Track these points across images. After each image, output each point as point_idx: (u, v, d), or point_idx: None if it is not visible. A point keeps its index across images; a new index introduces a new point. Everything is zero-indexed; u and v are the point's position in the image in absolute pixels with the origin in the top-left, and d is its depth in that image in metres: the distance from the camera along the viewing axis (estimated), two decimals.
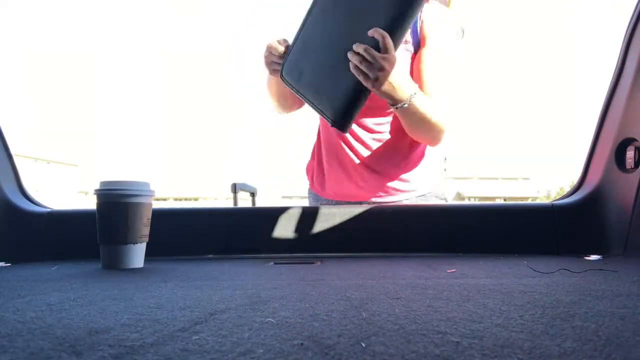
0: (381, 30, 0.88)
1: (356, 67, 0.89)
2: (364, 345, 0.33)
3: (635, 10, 0.97)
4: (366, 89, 0.92)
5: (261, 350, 0.32)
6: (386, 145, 1.19)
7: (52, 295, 0.56)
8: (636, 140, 0.96)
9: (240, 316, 0.44)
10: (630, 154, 0.97)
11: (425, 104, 1.03)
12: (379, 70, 0.89)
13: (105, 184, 0.86)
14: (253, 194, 1.78)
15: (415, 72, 1.13)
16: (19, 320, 0.42)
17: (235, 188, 1.34)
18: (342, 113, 0.92)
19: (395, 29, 0.89)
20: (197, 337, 0.36)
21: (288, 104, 1.24)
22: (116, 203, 0.84)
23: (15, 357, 0.31)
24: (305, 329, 0.38)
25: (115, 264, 0.84)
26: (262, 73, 1.13)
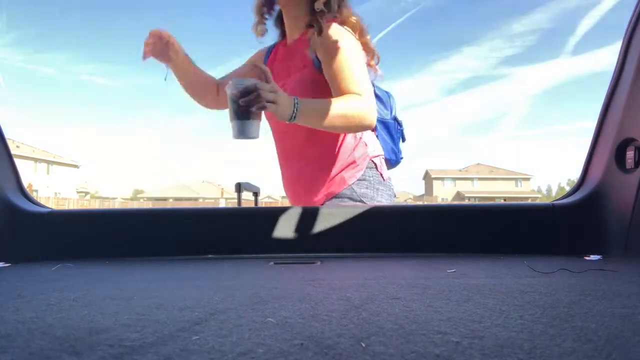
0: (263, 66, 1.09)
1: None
2: (364, 345, 0.33)
3: (635, 10, 0.97)
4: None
5: (261, 350, 0.32)
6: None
7: (52, 295, 0.56)
8: (636, 140, 0.96)
9: (240, 316, 0.43)
10: (630, 154, 0.97)
11: (316, 104, 1.12)
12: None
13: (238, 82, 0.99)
14: (256, 194, 1.79)
15: (329, 79, 1.23)
16: (19, 320, 0.42)
17: (239, 187, 1.34)
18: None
19: None
20: (197, 337, 0.36)
21: (199, 95, 1.34)
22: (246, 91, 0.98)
23: (15, 357, 0.31)
24: (305, 329, 0.38)
25: (244, 135, 0.99)
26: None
